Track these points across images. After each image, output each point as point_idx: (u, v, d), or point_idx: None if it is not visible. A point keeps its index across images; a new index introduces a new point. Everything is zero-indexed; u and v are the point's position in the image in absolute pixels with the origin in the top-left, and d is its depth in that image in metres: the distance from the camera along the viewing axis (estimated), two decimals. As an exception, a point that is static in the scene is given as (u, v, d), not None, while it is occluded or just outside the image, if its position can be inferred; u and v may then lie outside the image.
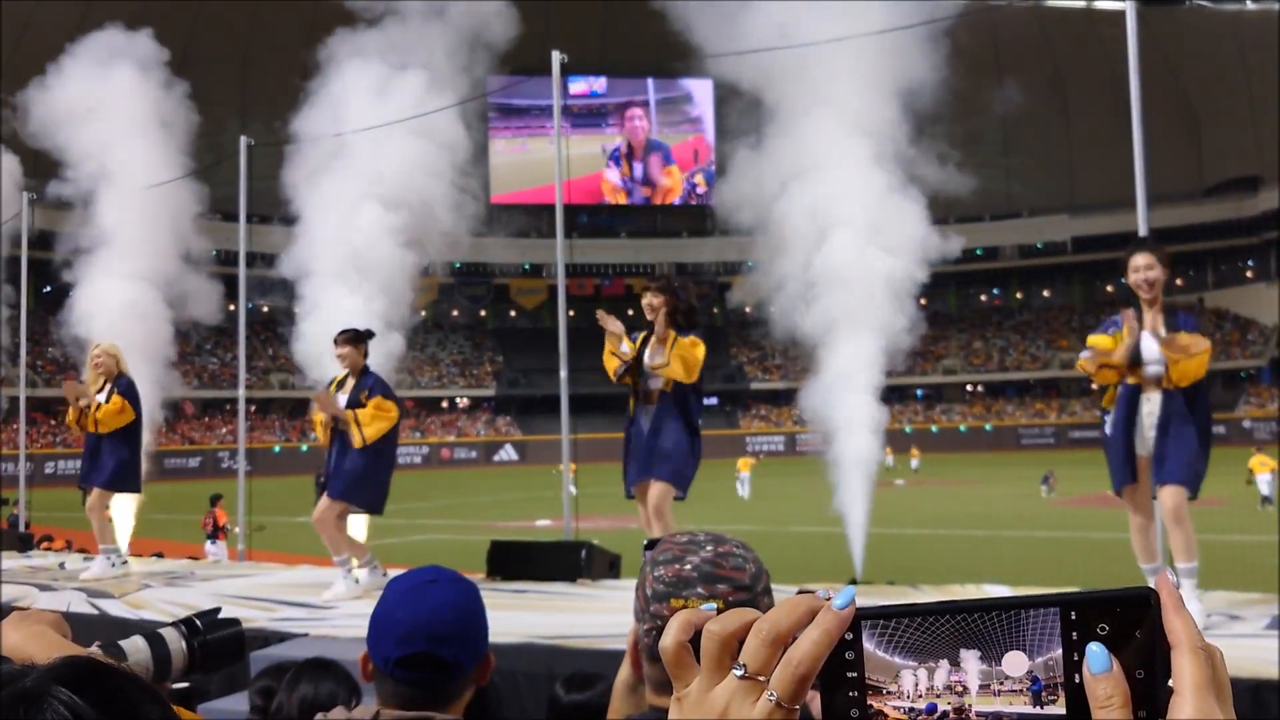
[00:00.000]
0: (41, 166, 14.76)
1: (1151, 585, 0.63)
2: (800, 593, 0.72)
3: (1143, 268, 5.68)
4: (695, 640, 0.69)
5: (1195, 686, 0.60)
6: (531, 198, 68.75)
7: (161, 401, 12.63)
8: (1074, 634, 0.62)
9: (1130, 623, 0.62)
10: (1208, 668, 0.60)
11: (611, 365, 7.03)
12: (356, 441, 7.71)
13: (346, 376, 7.96)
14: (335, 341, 8.00)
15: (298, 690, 2.87)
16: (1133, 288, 5.77)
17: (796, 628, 0.66)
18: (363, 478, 7.77)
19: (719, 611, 0.69)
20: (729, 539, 1.44)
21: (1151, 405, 5.72)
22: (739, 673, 0.66)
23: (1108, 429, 5.90)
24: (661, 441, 6.80)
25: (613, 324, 6.98)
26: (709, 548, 1.41)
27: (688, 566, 1.39)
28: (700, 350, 6.77)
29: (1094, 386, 6.08)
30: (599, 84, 69.86)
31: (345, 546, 7.82)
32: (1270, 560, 12.10)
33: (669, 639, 0.70)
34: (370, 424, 7.72)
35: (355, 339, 7.93)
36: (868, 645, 0.65)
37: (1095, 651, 0.61)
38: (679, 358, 6.74)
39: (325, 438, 7.99)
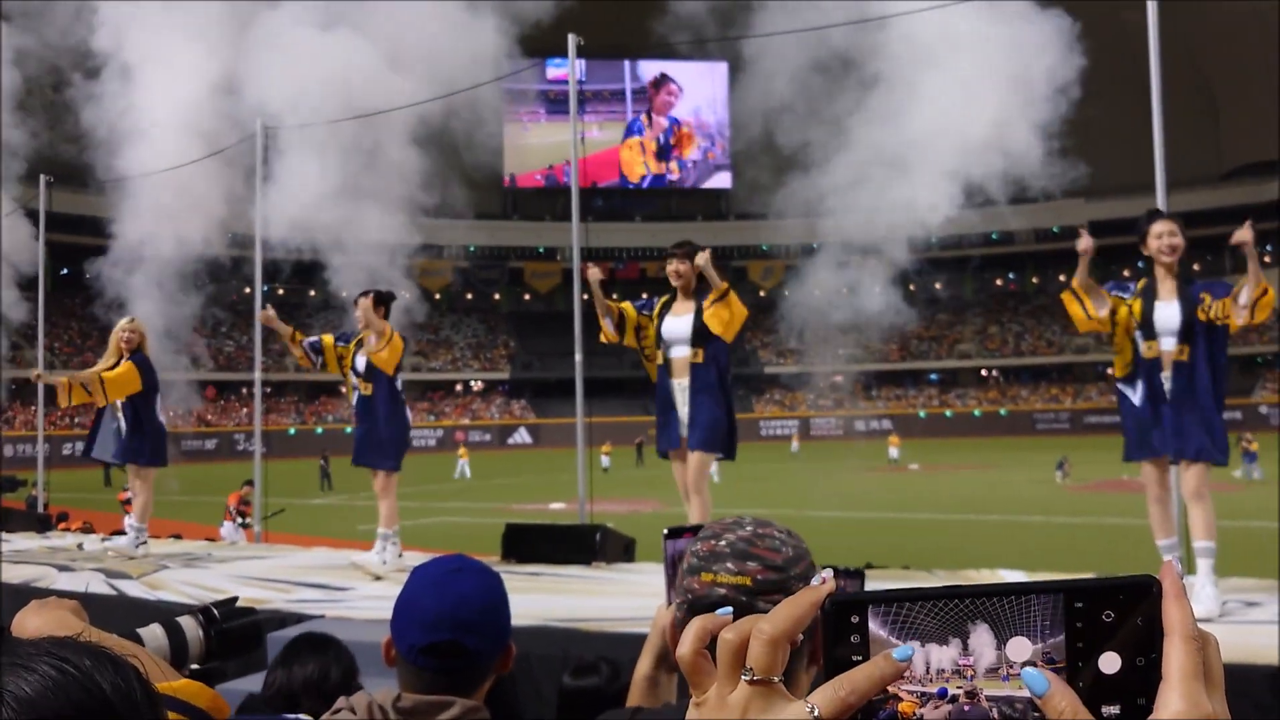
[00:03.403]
0: (59, 150, 14.81)
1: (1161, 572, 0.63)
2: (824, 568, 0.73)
3: (1166, 234, 5.69)
4: (714, 646, 0.70)
5: (1183, 675, 0.60)
6: (533, 181, 68.93)
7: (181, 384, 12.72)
8: (1078, 623, 0.62)
9: (1132, 610, 0.62)
10: (1198, 656, 0.61)
11: (606, 327, 6.98)
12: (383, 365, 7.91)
13: (368, 338, 8.03)
14: (354, 302, 8.12)
15: (299, 668, 2.87)
16: (1154, 254, 5.74)
17: (799, 626, 0.67)
18: (399, 440, 8.10)
19: (734, 617, 0.70)
20: (776, 525, 1.43)
21: (1167, 378, 5.70)
22: (747, 677, 0.67)
23: (1134, 399, 5.82)
24: (696, 412, 6.69)
25: (592, 273, 6.99)
26: (749, 528, 1.40)
27: (722, 542, 1.39)
28: (738, 303, 6.73)
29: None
30: (578, 64, 69.37)
31: (396, 517, 8.11)
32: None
33: (685, 647, 0.71)
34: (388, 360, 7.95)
35: (375, 300, 7.97)
36: (876, 629, 0.65)
37: (1031, 674, 0.62)
38: (724, 304, 6.65)
39: (299, 355, 8.31)
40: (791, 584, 1.36)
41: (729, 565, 1.36)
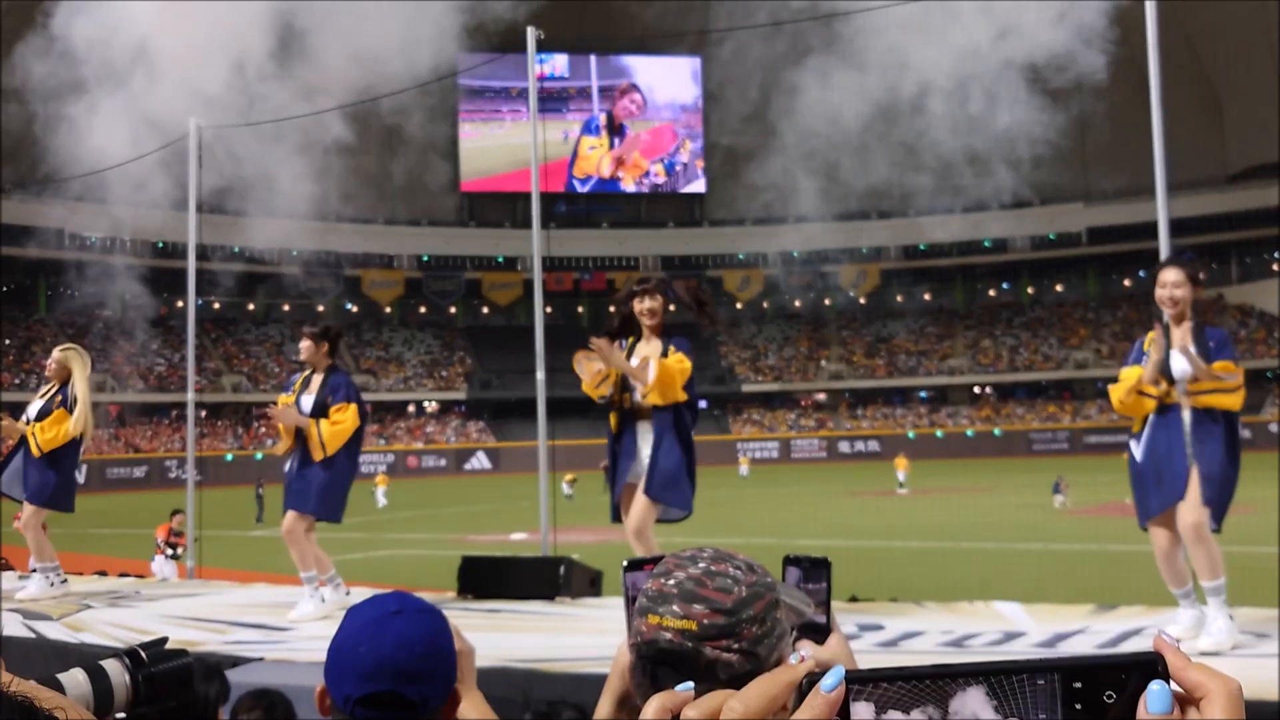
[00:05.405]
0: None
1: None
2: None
3: (1170, 284, 5.78)
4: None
5: None
6: (498, 184, 68.76)
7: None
8: (1077, 704, 0.62)
9: (1137, 690, 0.62)
10: (1242, 711, 0.61)
11: (596, 392, 6.83)
12: (317, 455, 7.71)
13: (311, 375, 7.97)
14: (302, 334, 8.07)
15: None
16: (1158, 303, 5.87)
17: (773, 707, 0.66)
18: (328, 488, 7.79)
19: (684, 673, 0.69)
20: (736, 557, 1.41)
21: (1187, 421, 5.78)
22: None
23: (1138, 456, 5.91)
24: (657, 459, 6.57)
25: (589, 366, 6.74)
26: (702, 564, 1.38)
27: (671, 581, 1.37)
28: (687, 365, 6.56)
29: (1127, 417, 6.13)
30: (560, 62, 69.23)
31: (314, 561, 7.82)
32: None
33: None
34: (331, 438, 7.71)
35: (318, 336, 7.93)
36: (858, 709, 0.64)
37: (1156, 692, 0.61)
38: (659, 381, 6.48)
39: (287, 447, 7.98)
40: (742, 628, 1.33)
41: (675, 608, 1.34)
